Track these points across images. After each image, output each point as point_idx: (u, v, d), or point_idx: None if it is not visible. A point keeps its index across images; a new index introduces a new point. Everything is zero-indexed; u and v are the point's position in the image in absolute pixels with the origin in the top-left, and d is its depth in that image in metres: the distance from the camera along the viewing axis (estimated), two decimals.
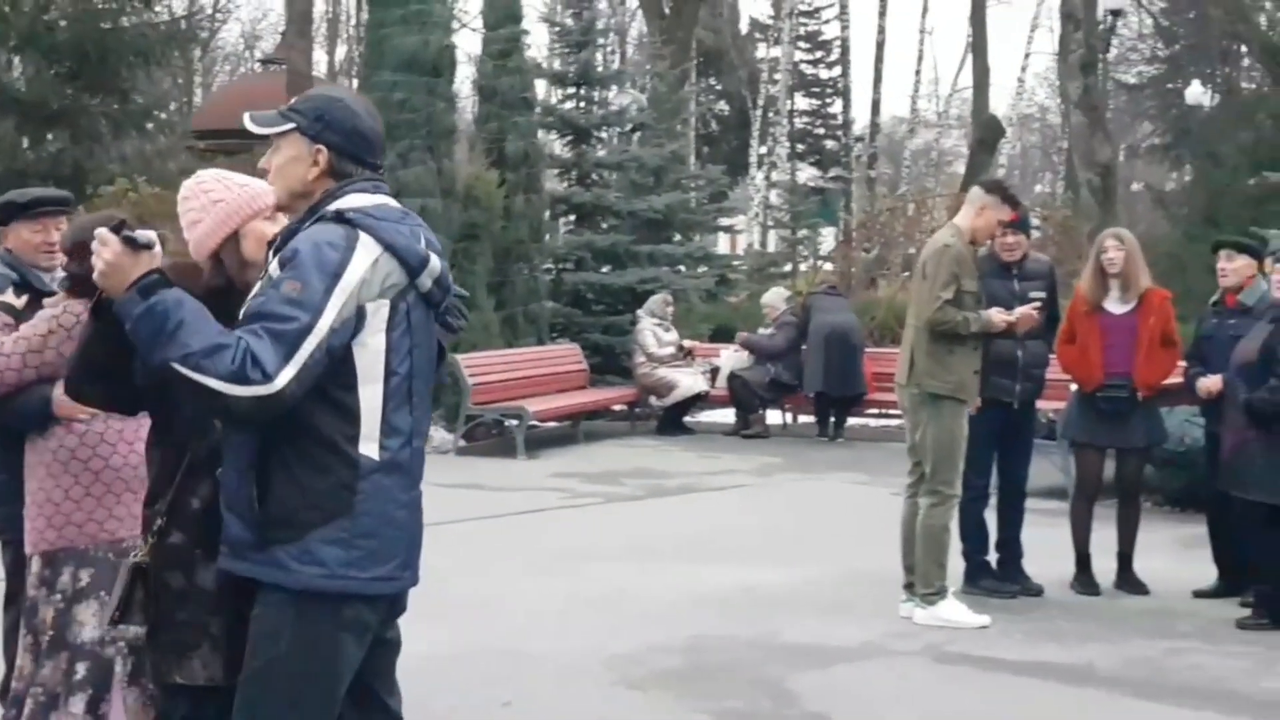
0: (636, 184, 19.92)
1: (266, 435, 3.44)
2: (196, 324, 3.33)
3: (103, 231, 3.42)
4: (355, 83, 26.80)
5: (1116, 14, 23.34)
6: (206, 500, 3.73)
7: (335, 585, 3.47)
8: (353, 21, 43.26)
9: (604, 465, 14.04)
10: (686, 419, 17.02)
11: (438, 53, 16.05)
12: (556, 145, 20.39)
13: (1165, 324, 8.68)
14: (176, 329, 3.31)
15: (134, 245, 3.42)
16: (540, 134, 19.03)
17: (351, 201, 3.59)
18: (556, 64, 20.92)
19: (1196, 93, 27.75)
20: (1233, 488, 8.00)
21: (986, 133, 25.85)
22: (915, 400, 7.98)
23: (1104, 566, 8.80)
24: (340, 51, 46.17)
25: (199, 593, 3.78)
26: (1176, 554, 9.50)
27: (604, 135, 20.59)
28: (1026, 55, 39.44)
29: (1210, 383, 8.46)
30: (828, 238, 32.57)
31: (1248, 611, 8.01)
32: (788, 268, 29.01)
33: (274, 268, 3.46)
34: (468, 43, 45.81)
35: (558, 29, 20.95)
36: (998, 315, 8.10)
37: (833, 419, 16.43)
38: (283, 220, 3.79)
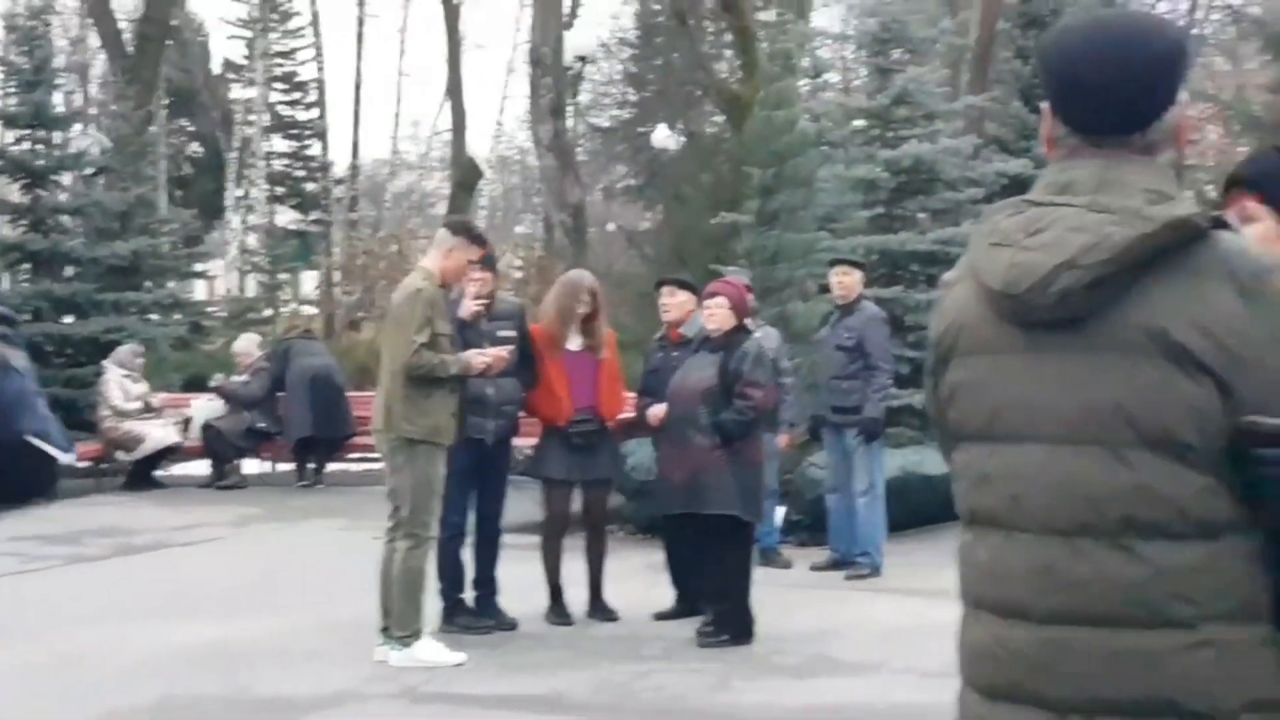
0: (100, 229, 19.12)
1: None
2: None
3: None
4: None
5: (584, 60, 24.12)
6: None
7: None
8: None
9: (66, 525, 13.25)
10: (158, 472, 16.33)
11: None
12: (11, 190, 19.29)
13: (615, 359, 9.08)
14: None
15: None
16: None
17: None
18: (11, 104, 19.76)
19: (663, 136, 28.97)
20: (693, 506, 8.30)
21: (465, 175, 26.18)
22: (393, 446, 7.89)
23: (579, 596, 8.98)
24: None
25: None
26: (647, 579, 9.79)
27: (62, 179, 19.62)
28: (504, 98, 40.35)
29: (657, 411, 8.79)
30: (309, 281, 32.15)
31: (709, 630, 8.33)
32: (268, 312, 28.42)
33: None
34: None
35: (6, 68, 19.80)
36: (476, 357, 8.13)
37: (312, 465, 16.17)
38: None
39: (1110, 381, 2.21)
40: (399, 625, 7.86)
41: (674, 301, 9.44)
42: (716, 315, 8.52)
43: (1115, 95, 2.32)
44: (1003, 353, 2.34)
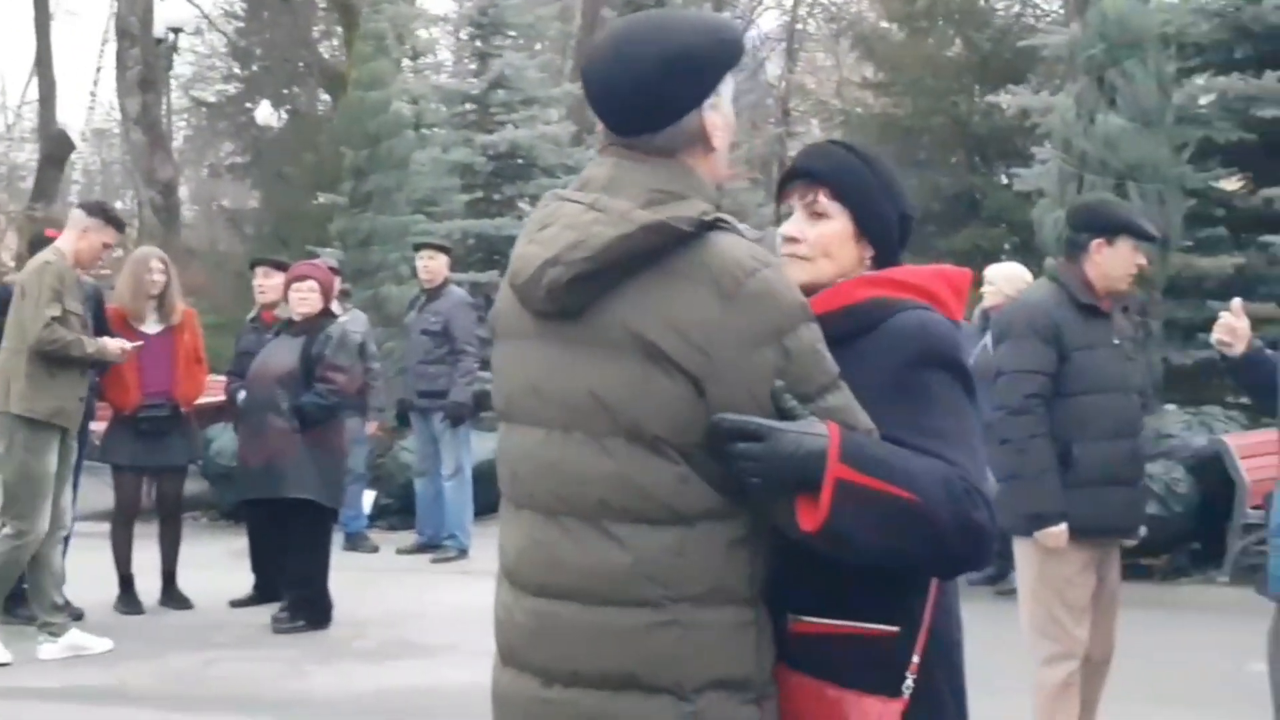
0: None
1: None
2: None
3: None
4: None
5: (177, 32, 23.32)
6: None
7: None
8: None
9: None
10: None
11: None
12: None
13: (196, 341, 8.87)
14: None
15: None
16: None
17: None
18: None
19: (266, 113, 28.34)
20: (271, 491, 8.22)
21: (54, 147, 24.96)
22: (7, 425, 7.47)
23: (153, 585, 8.79)
24: None
25: None
26: (226, 566, 9.67)
27: None
28: (98, 69, 38.73)
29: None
30: None
31: (285, 615, 8.28)
32: None
33: None
34: None
35: None
36: (114, 345, 7.82)
37: None
38: None
39: (594, 374, 2.30)
40: None
41: (269, 283, 9.39)
42: (308, 299, 8.41)
43: (617, 98, 2.37)
44: (521, 338, 2.43)
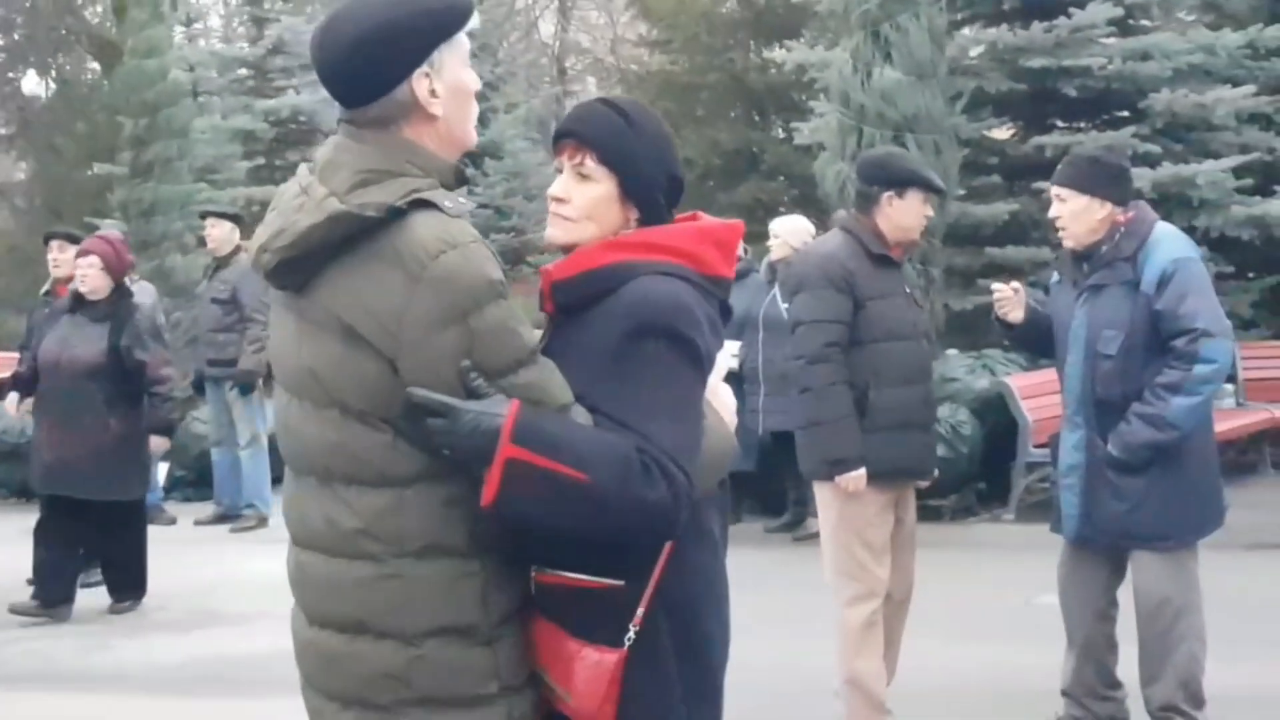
0: None
1: None
2: None
3: None
4: None
5: None
6: None
7: None
8: None
9: None
10: None
11: None
12: None
13: None
14: None
15: None
16: None
17: None
18: None
19: (33, 83, 27.53)
20: (84, 491, 7.96)
21: None
22: None
23: None
24: None
25: None
26: (21, 542, 9.30)
27: None
28: None
29: None
30: None
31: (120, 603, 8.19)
32: None
33: None
34: None
35: None
36: None
37: None
38: None
39: (309, 349, 2.46)
40: None
41: (64, 257, 9.21)
42: (88, 275, 8.01)
43: (329, 73, 2.47)
44: (277, 306, 2.58)
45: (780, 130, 19.47)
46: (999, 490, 10.23)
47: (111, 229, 11.78)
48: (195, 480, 11.94)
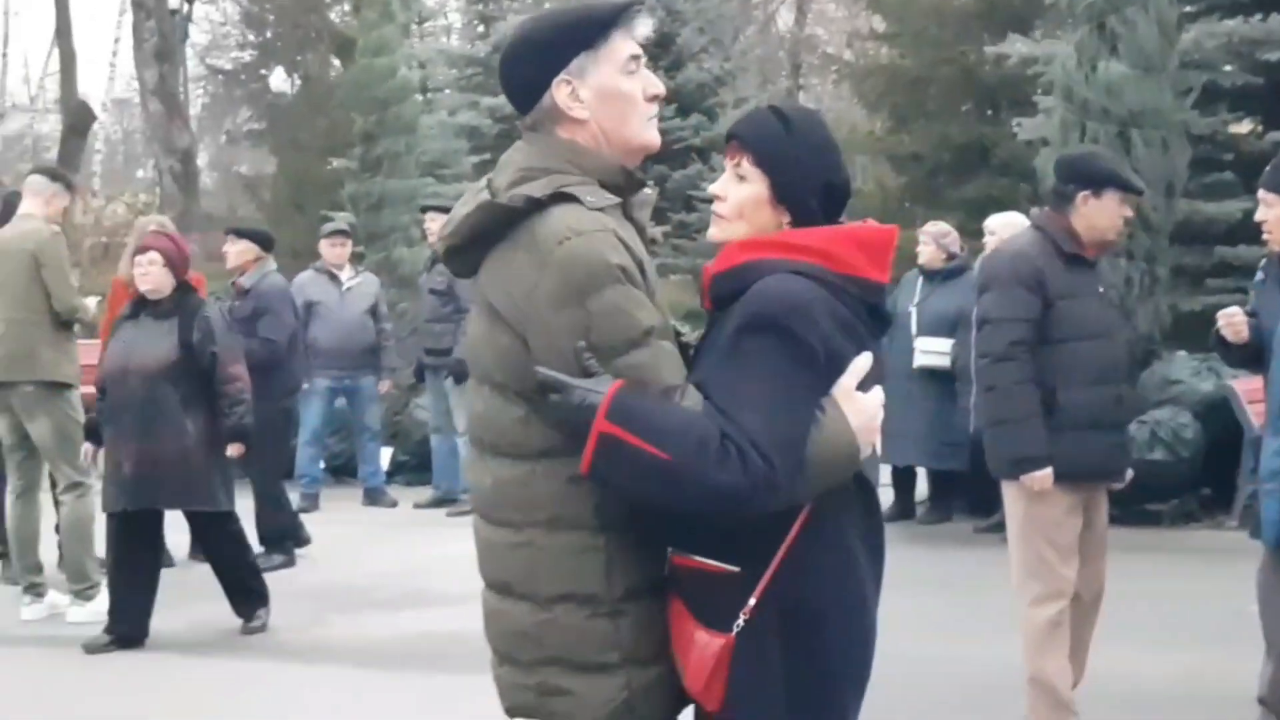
0: None
1: None
2: None
3: None
4: None
5: (190, 1, 23.49)
6: None
7: None
8: None
9: None
10: None
11: None
12: None
13: None
14: None
15: None
16: None
17: None
18: None
19: (280, 80, 28.50)
20: (169, 503, 7.48)
21: (76, 118, 25.11)
22: (35, 393, 7.69)
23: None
24: None
25: None
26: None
27: None
28: (116, 40, 38.75)
29: None
30: None
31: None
32: None
33: None
34: None
35: None
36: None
37: None
38: None
39: (473, 328, 2.74)
40: (76, 579, 7.76)
41: (233, 250, 9.48)
42: (149, 273, 7.27)
43: (501, 83, 2.79)
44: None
45: (1011, 125, 19.08)
46: (1225, 497, 9.90)
47: (340, 221, 12.22)
48: (416, 465, 12.30)
